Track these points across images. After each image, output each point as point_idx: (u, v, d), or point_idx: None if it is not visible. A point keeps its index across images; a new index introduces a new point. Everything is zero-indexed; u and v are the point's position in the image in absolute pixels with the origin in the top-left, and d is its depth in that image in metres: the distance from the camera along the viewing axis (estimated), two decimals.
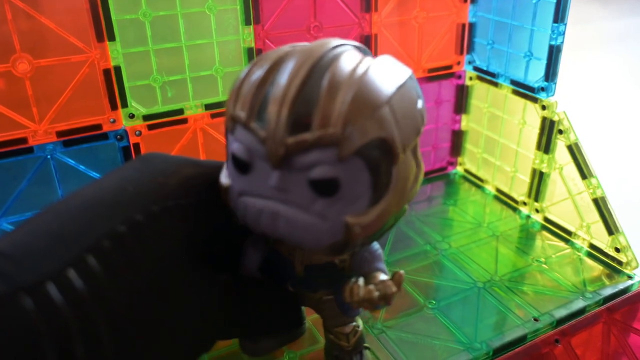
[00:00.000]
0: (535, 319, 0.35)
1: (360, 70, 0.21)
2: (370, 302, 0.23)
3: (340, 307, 0.28)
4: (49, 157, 0.36)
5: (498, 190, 0.50)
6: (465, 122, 0.52)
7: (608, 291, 0.38)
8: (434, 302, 0.37)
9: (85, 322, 0.18)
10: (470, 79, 0.50)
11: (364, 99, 0.20)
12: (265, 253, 0.27)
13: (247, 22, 0.39)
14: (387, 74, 0.22)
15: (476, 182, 0.52)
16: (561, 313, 0.36)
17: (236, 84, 0.22)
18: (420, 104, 0.23)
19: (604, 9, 1.42)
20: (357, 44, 0.23)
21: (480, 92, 0.50)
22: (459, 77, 0.50)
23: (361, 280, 0.24)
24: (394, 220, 0.23)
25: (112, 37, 0.35)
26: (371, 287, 0.23)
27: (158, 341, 0.21)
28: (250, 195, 0.23)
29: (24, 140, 0.35)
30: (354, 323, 0.29)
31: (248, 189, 0.23)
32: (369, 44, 0.44)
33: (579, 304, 0.36)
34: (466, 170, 0.54)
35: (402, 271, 0.23)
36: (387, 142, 0.21)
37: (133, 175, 0.23)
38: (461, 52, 0.49)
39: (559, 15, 0.40)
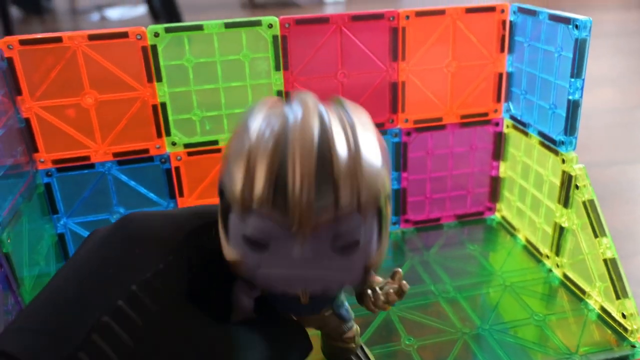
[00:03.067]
0: None
1: (353, 138, 0.23)
2: (390, 303, 0.28)
3: (340, 316, 0.32)
4: (106, 172, 0.44)
5: (527, 240, 0.49)
6: (503, 169, 0.52)
7: (600, 357, 0.36)
8: (412, 339, 0.39)
9: None
10: (507, 127, 0.51)
11: (370, 169, 0.23)
12: (258, 295, 0.29)
13: (277, 68, 0.45)
14: (370, 132, 0.24)
15: (510, 230, 0.52)
16: None
17: (240, 166, 0.22)
18: (382, 139, 0.25)
19: None
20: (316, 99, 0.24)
21: (515, 141, 0.50)
22: (497, 124, 0.51)
23: (377, 289, 0.28)
24: None
25: (159, 79, 0.43)
26: (390, 291, 0.27)
27: None
28: (269, 267, 0.24)
29: (87, 157, 0.44)
30: (355, 325, 0.33)
31: (266, 263, 0.24)
32: (396, 91, 0.47)
33: None
34: (503, 217, 0.54)
35: (399, 269, 0.28)
36: (388, 193, 0.24)
37: (112, 253, 0.24)
38: (498, 100, 0.50)
39: (575, 70, 0.39)
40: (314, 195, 0.21)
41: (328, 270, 0.24)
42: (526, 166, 0.49)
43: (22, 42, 0.39)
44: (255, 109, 0.25)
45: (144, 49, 0.42)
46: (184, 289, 0.26)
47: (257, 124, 0.23)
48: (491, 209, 0.54)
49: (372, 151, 0.23)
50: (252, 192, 0.22)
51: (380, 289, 0.28)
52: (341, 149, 0.22)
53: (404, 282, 0.28)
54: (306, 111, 0.23)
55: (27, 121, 0.41)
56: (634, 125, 0.91)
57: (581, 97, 0.40)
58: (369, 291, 0.28)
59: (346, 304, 0.32)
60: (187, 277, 0.26)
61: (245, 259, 0.24)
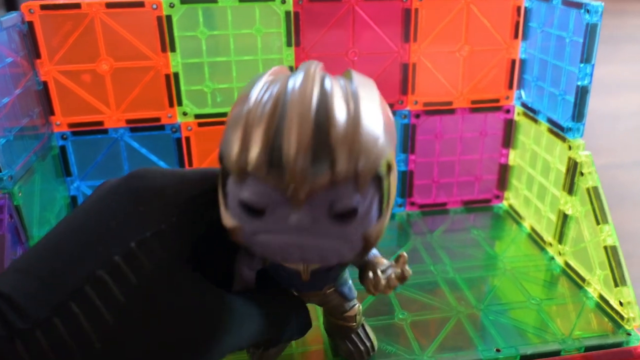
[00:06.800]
0: (498, 350, 0.35)
1: (354, 105, 0.22)
2: (391, 287, 0.28)
3: (342, 294, 0.32)
4: (119, 138, 0.46)
5: (532, 228, 0.49)
6: (512, 157, 0.52)
7: (593, 342, 0.36)
8: (406, 314, 0.39)
9: None
10: (518, 114, 0.50)
11: (368, 134, 0.22)
12: (259, 268, 0.30)
13: (288, 44, 0.45)
14: (373, 99, 0.23)
15: (516, 219, 0.52)
16: (527, 350, 0.35)
17: (238, 129, 0.22)
18: (391, 113, 0.25)
19: None
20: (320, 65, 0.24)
21: (525, 128, 0.50)
22: (508, 111, 0.51)
23: (379, 272, 0.28)
24: None
25: (173, 49, 0.44)
26: (392, 275, 0.27)
27: None
28: (266, 233, 0.23)
29: (101, 123, 0.45)
30: (357, 304, 0.33)
31: (263, 229, 0.23)
32: (406, 72, 0.48)
33: (554, 346, 0.36)
34: (510, 206, 0.53)
35: (404, 253, 0.28)
36: (389, 162, 0.23)
37: (116, 207, 0.24)
38: (510, 87, 0.50)
39: (584, 55, 0.39)
40: (309, 159, 0.21)
41: (325, 239, 0.23)
42: (534, 154, 0.48)
43: (43, 7, 0.41)
44: (258, 77, 0.24)
45: (159, 18, 0.43)
46: (185, 253, 0.26)
47: (257, 90, 0.23)
48: (499, 197, 0.54)
49: (373, 120, 0.23)
50: (247, 155, 0.22)
51: (383, 272, 0.28)
52: (339, 114, 0.22)
53: (407, 267, 0.27)
54: (306, 77, 0.23)
55: (45, 84, 0.43)
56: None
57: (590, 83, 0.40)
58: (370, 274, 0.28)
59: (350, 282, 0.33)
60: (190, 241, 0.26)
61: (243, 225, 0.24)
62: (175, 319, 0.24)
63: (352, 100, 0.23)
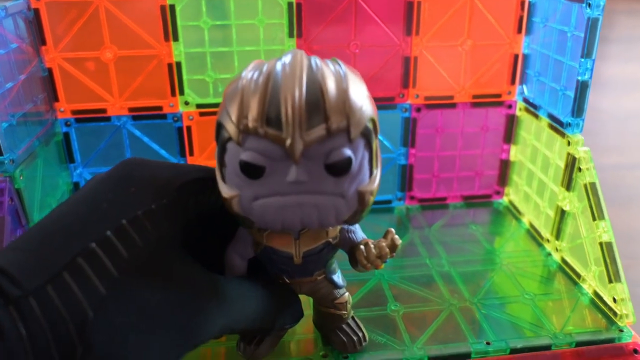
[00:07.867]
0: (488, 342, 0.36)
1: (342, 71, 0.25)
2: (382, 257, 0.28)
3: (331, 282, 0.32)
4: (121, 126, 0.46)
5: (531, 224, 0.49)
6: (513, 153, 0.52)
7: (586, 337, 0.36)
8: (398, 305, 0.39)
9: (56, 334, 0.21)
10: (520, 109, 0.50)
11: (357, 92, 0.25)
12: (251, 256, 0.31)
13: (290, 36, 0.46)
14: (355, 73, 0.27)
15: (516, 214, 0.52)
16: (517, 344, 0.35)
17: (235, 100, 0.24)
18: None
19: None
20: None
21: (527, 124, 0.50)
22: (510, 106, 0.51)
23: (370, 243, 0.29)
24: None
25: (176, 38, 0.44)
26: (382, 244, 0.28)
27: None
28: (265, 197, 0.25)
29: (104, 110, 0.46)
30: (347, 292, 0.34)
31: (263, 192, 0.25)
32: (408, 65, 0.48)
33: (545, 340, 0.36)
34: (510, 202, 0.53)
35: (391, 228, 0.29)
36: (374, 121, 0.26)
37: (109, 190, 0.26)
38: (513, 82, 0.50)
39: (585, 50, 0.39)
40: (305, 113, 0.23)
41: (322, 195, 0.25)
42: (535, 149, 0.48)
43: None
44: (248, 65, 0.26)
45: (163, 8, 0.43)
46: (177, 234, 0.26)
47: (249, 70, 0.26)
48: (499, 193, 0.54)
49: (359, 86, 0.25)
50: (247, 115, 0.24)
51: (373, 245, 0.29)
52: (330, 79, 0.24)
53: (396, 237, 0.28)
54: (295, 54, 0.25)
55: (50, 71, 0.44)
56: None
57: (590, 77, 0.40)
58: (362, 246, 0.29)
59: (339, 271, 0.33)
60: (181, 223, 0.27)
61: (242, 192, 0.25)
62: (165, 292, 0.25)
63: (339, 70, 0.25)
